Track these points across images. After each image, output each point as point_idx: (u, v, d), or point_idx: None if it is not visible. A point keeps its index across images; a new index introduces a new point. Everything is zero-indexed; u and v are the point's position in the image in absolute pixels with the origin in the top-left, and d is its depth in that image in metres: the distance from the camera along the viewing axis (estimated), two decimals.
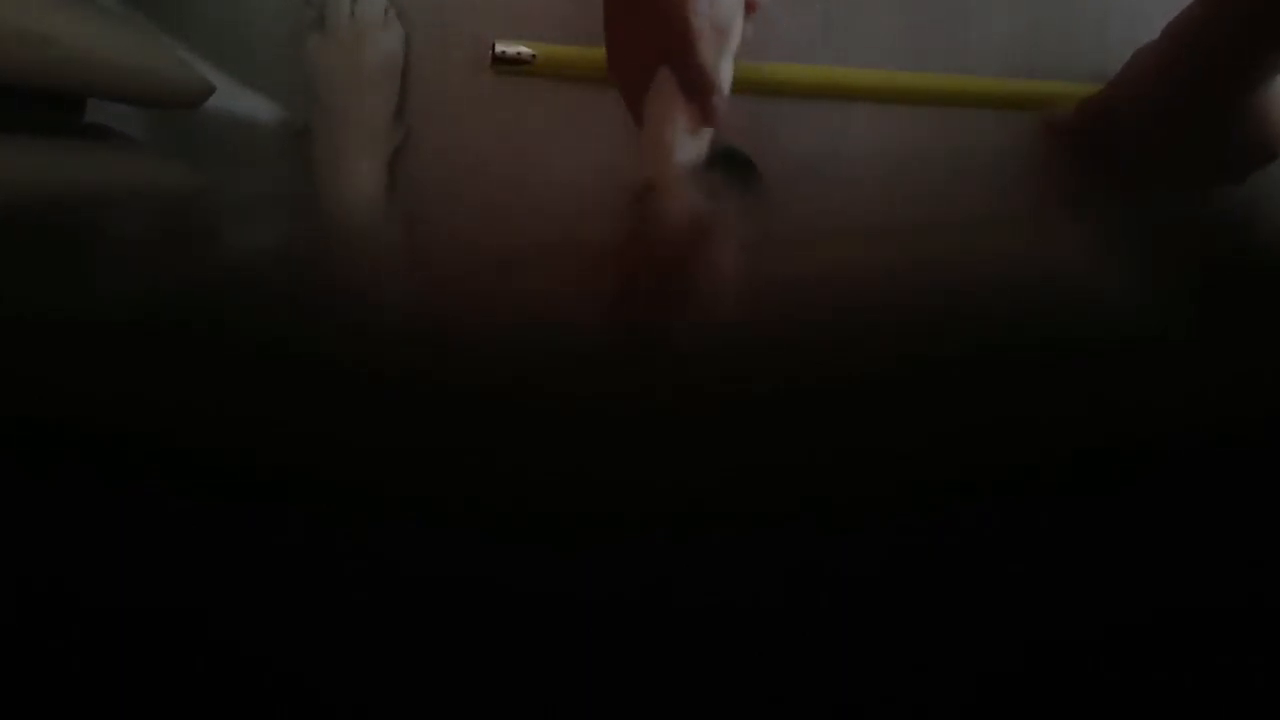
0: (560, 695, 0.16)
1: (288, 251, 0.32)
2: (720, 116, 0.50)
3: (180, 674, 0.16)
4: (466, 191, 0.63)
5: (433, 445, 0.18)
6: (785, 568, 0.17)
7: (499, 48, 0.63)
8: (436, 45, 0.64)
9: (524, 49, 0.62)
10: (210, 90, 0.56)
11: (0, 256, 0.26)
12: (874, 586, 0.17)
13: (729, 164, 0.51)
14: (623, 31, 0.50)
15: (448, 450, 0.18)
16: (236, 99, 0.60)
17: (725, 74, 0.51)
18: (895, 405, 0.19)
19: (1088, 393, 0.19)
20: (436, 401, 0.19)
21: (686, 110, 0.49)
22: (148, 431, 0.18)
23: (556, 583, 0.17)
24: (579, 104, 0.63)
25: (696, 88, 0.49)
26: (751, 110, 0.62)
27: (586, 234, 0.38)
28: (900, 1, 0.65)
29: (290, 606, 0.17)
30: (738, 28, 0.51)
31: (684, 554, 0.17)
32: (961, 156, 0.63)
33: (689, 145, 0.50)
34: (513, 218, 0.45)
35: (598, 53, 0.54)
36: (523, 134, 0.63)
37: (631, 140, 0.53)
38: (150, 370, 0.19)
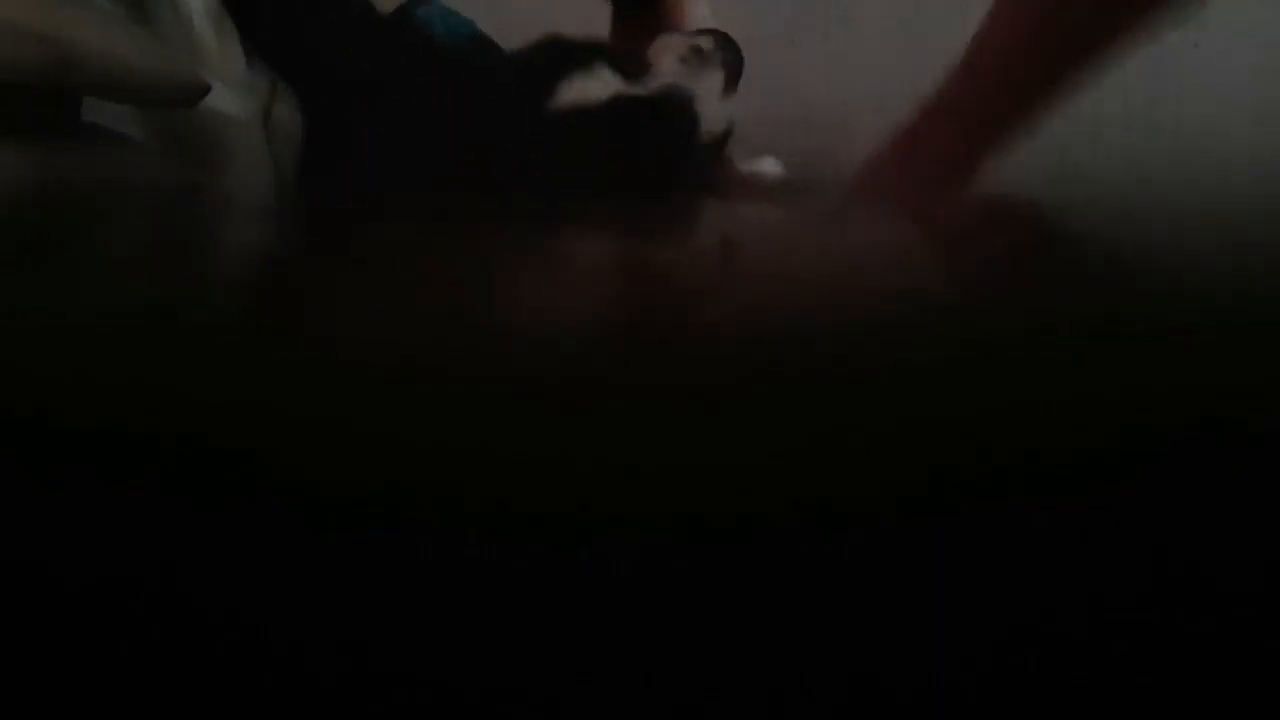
0: (560, 691, 0.16)
1: (283, 249, 0.32)
2: None
3: (180, 672, 0.16)
4: None
5: (433, 445, 0.18)
6: (785, 567, 0.17)
7: None
8: None
9: None
10: (206, 89, 0.56)
11: None
12: (874, 586, 0.17)
13: None
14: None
15: (448, 450, 0.18)
16: (231, 97, 0.60)
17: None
18: (896, 405, 0.19)
19: (1087, 390, 0.19)
20: (436, 401, 0.19)
21: None
22: (144, 429, 0.18)
23: (557, 582, 0.16)
24: None
25: None
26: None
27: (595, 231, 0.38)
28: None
29: (288, 606, 0.17)
30: None
31: (683, 554, 0.17)
32: None
33: None
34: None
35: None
36: None
37: None
38: (145, 369, 0.19)
